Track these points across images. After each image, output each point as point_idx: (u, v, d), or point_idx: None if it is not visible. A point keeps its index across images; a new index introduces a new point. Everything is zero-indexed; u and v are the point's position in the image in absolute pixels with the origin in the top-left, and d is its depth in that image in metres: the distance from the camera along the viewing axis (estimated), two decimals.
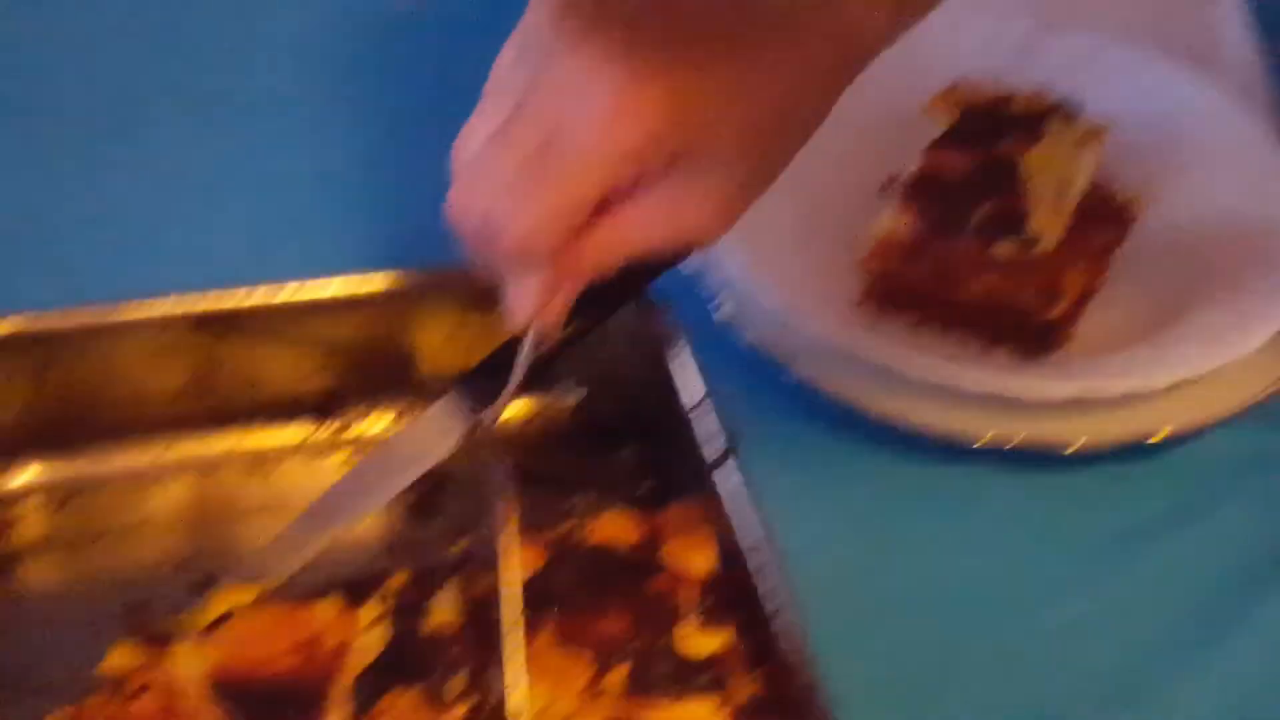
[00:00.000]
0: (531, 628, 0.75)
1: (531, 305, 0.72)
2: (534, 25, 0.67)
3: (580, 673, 0.75)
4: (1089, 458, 0.93)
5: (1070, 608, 0.87)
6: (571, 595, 0.78)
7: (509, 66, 0.69)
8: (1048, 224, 0.97)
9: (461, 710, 0.73)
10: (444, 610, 0.78)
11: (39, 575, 0.88)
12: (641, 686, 0.75)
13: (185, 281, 0.89)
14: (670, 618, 0.77)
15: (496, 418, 0.82)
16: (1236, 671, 0.85)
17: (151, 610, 0.82)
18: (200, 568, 0.88)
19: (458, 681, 0.74)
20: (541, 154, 0.66)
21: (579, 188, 0.66)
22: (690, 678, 0.75)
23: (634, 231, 0.70)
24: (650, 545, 0.80)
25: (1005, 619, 0.86)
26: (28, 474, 0.91)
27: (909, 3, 0.72)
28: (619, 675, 0.75)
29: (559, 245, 0.69)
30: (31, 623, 0.84)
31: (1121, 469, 0.94)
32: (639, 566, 0.79)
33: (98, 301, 0.89)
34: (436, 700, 0.73)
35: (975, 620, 0.86)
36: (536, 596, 0.77)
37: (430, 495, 0.92)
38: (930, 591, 0.87)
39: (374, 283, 0.91)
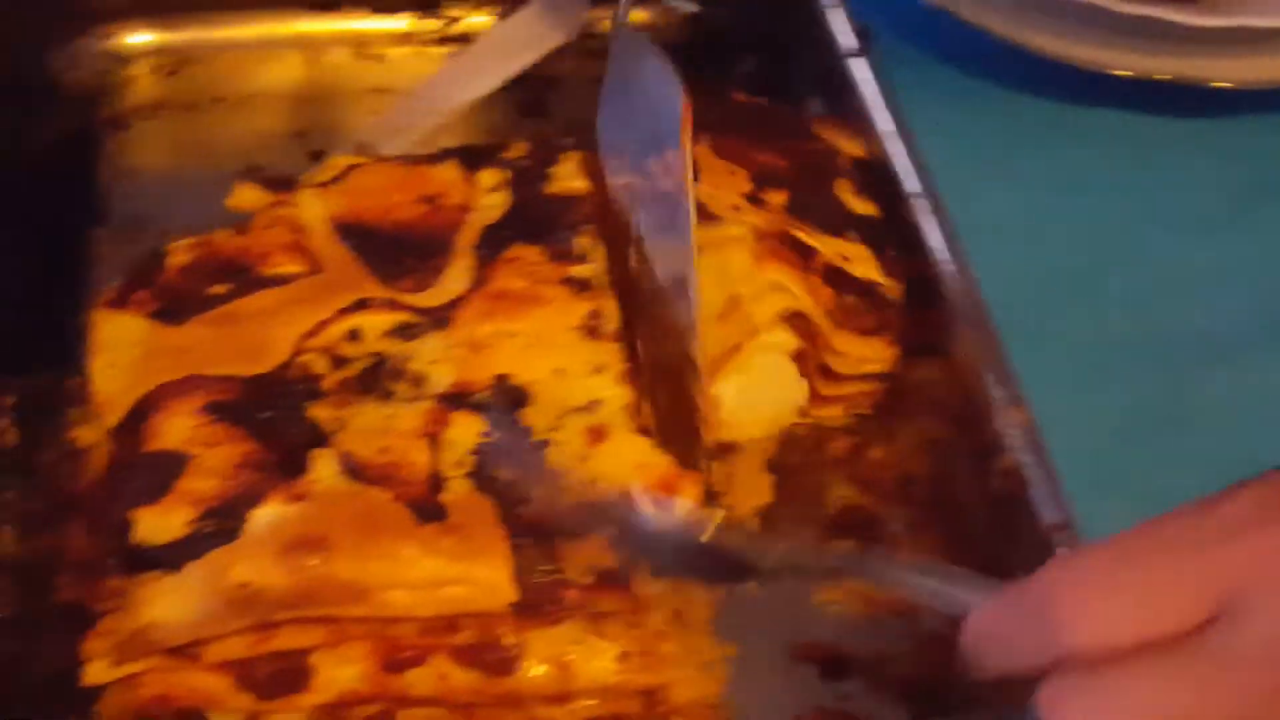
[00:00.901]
0: None
1: None
2: None
3: (739, 183, 0.75)
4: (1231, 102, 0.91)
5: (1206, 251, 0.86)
6: (722, 126, 0.77)
7: (1215, 524, 0.46)
8: None
9: (587, 270, 0.73)
10: (567, 177, 0.78)
11: (155, 134, 0.88)
12: (801, 213, 0.74)
13: None
14: (828, 172, 0.76)
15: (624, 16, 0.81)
16: None
17: (268, 173, 0.82)
18: (311, 141, 0.88)
19: (583, 240, 0.74)
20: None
21: None
22: (848, 225, 0.75)
23: None
24: (799, 121, 0.80)
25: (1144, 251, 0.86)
26: (140, 37, 0.90)
27: None
28: (779, 197, 0.75)
29: None
30: (152, 175, 0.85)
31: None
32: (790, 125, 0.79)
33: None
34: (563, 256, 0.73)
35: (1108, 248, 0.86)
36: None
37: (540, 94, 0.92)
38: (1062, 217, 0.87)
39: None
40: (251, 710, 0.63)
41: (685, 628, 0.69)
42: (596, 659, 0.65)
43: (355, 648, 0.64)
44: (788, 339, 0.75)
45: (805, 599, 0.71)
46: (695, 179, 0.73)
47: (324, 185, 0.77)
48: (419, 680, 0.64)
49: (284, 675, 0.63)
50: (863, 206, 0.76)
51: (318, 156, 0.86)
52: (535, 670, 0.65)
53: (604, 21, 0.89)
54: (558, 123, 0.89)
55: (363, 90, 0.91)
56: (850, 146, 0.79)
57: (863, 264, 0.74)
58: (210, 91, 0.89)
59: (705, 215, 0.73)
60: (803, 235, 0.74)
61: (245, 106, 0.89)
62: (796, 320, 0.75)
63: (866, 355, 0.75)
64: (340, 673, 0.64)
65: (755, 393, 0.75)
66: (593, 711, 0.66)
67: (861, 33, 0.81)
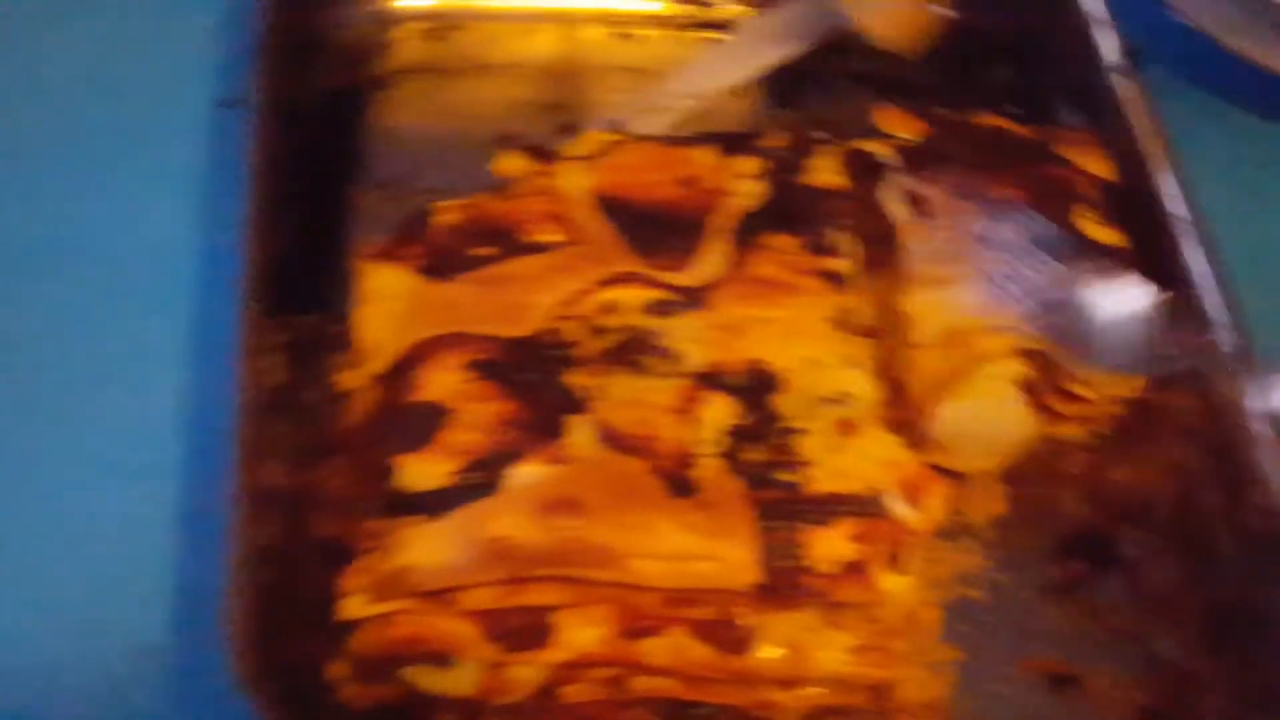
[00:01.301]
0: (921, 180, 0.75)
1: None
2: None
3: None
4: None
5: None
6: (961, 158, 0.77)
7: None
8: None
9: (841, 265, 0.74)
10: (822, 170, 0.78)
11: (415, 96, 0.90)
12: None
13: None
14: (1068, 199, 0.76)
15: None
16: None
17: (527, 142, 0.83)
18: (563, 114, 0.90)
19: (838, 234, 0.75)
20: None
21: None
22: (1082, 256, 0.74)
23: None
24: (1041, 143, 0.80)
25: None
26: (409, 0, 0.93)
27: None
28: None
29: None
30: (410, 135, 0.87)
31: None
32: (1033, 150, 0.79)
33: None
34: (818, 248, 0.74)
35: None
36: (922, 157, 0.77)
37: (792, 88, 0.92)
38: None
39: None
40: (494, 660, 0.65)
41: (916, 628, 0.69)
42: (830, 648, 0.66)
43: (598, 611, 0.65)
44: (1017, 368, 0.74)
45: (1036, 614, 0.71)
46: (932, 217, 0.73)
47: (584, 159, 0.79)
48: (655, 649, 0.65)
49: (528, 630, 0.65)
50: (1106, 235, 0.76)
51: (568, 129, 0.87)
52: (769, 653, 0.66)
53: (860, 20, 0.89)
54: (808, 117, 0.89)
55: (615, 68, 0.92)
56: (1098, 168, 0.79)
57: None
58: (470, 58, 0.91)
59: (938, 259, 0.73)
60: None
61: (502, 75, 0.91)
62: (1031, 353, 0.74)
63: (1110, 385, 0.74)
64: (581, 634, 0.65)
65: (978, 422, 0.74)
66: (820, 700, 0.67)
67: (1131, 51, 0.80)
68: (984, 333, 0.73)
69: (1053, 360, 0.73)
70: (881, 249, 0.76)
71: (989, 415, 0.74)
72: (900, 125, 0.79)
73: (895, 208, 0.76)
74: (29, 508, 0.73)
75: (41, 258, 0.82)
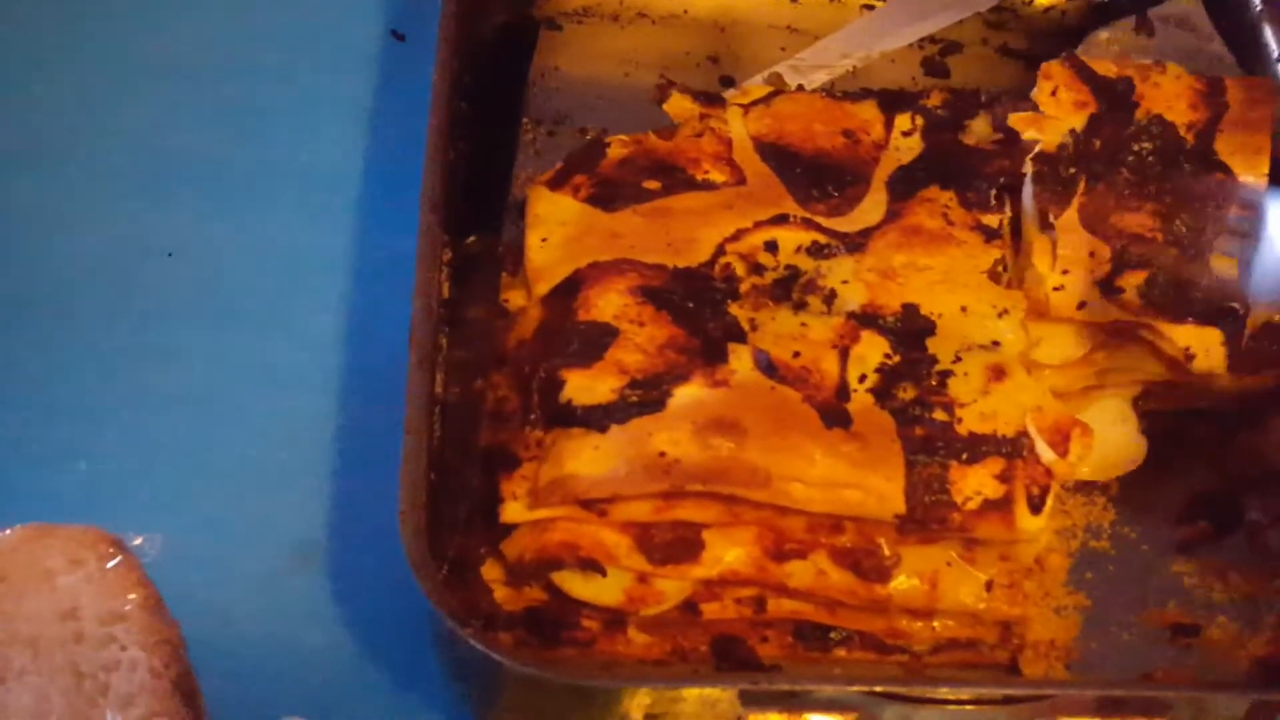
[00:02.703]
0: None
1: None
2: None
3: (1097, 266, 0.75)
4: None
5: None
6: (1105, 166, 0.78)
7: None
8: None
9: (996, 220, 0.76)
10: (981, 131, 0.81)
11: (581, 38, 0.93)
12: (1158, 298, 0.75)
13: None
14: (1207, 230, 0.76)
15: None
16: None
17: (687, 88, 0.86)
18: (722, 67, 0.93)
19: (995, 194, 0.77)
20: None
21: None
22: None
23: None
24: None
25: None
26: None
27: None
28: (1136, 280, 0.75)
29: None
30: (577, 77, 0.90)
31: None
32: (1185, 150, 0.79)
33: None
34: (976, 204, 0.77)
35: None
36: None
37: (943, 57, 0.94)
38: None
39: None
40: (643, 571, 0.68)
41: (1045, 572, 0.72)
42: (965, 583, 0.69)
43: (746, 532, 0.68)
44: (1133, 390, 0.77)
45: (1159, 569, 0.74)
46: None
47: (749, 106, 0.82)
48: (798, 572, 0.68)
49: (677, 545, 0.68)
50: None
51: (726, 82, 0.90)
52: (906, 583, 0.68)
53: None
54: (957, 86, 0.91)
55: (774, 26, 0.94)
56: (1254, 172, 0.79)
57: (1206, 357, 0.74)
58: (635, 6, 0.94)
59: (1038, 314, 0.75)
60: (1147, 334, 0.75)
61: (664, 24, 0.94)
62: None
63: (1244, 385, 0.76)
64: (728, 552, 0.68)
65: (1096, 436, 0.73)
66: (950, 632, 0.70)
67: None
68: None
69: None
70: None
71: (1103, 432, 0.74)
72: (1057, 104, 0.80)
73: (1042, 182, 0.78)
74: (211, 413, 0.77)
75: (225, 179, 0.86)
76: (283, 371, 0.78)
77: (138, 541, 0.61)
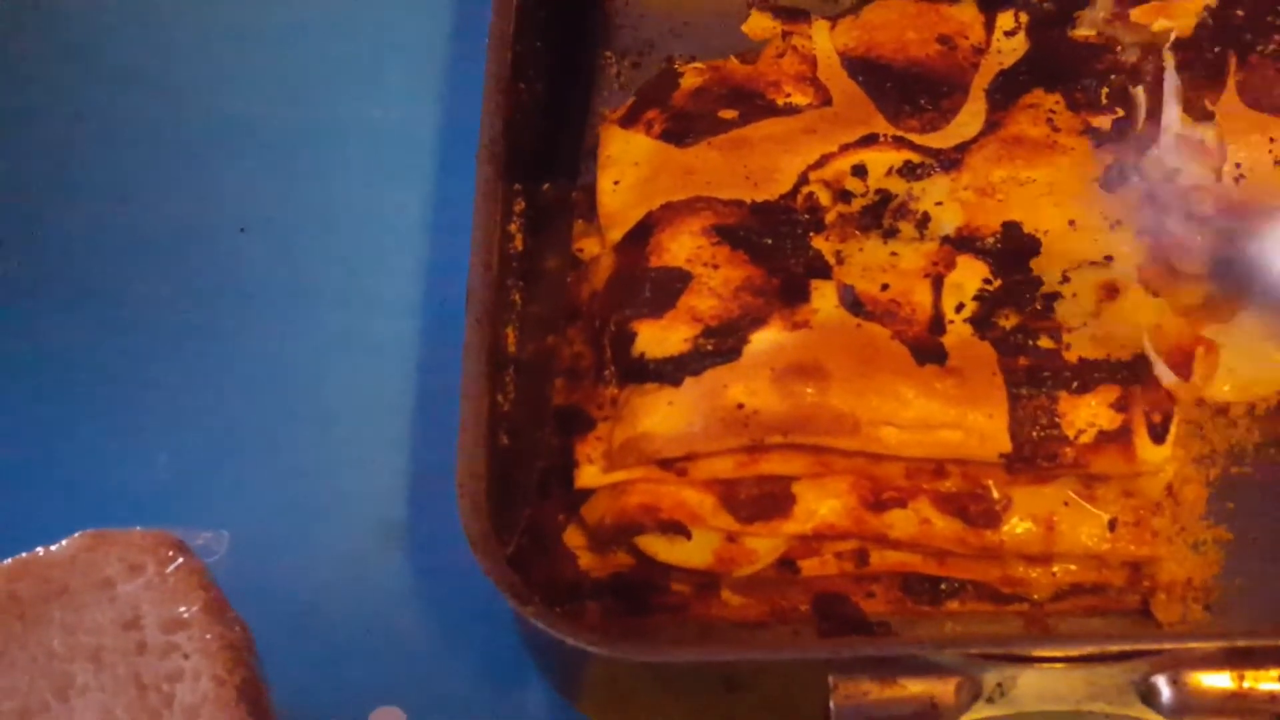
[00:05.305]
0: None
1: None
2: None
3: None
4: None
5: None
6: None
7: None
8: None
9: (1109, 121, 0.70)
10: (1092, 24, 0.74)
11: None
12: None
13: None
14: None
15: None
16: None
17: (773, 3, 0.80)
18: None
19: (1108, 90, 0.70)
20: None
21: None
22: None
23: None
24: None
25: None
26: None
27: None
28: None
29: None
30: (654, 4, 0.84)
31: None
32: None
33: None
34: (1086, 105, 0.70)
35: None
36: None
37: None
38: None
39: None
40: (730, 530, 0.63)
41: (1179, 505, 0.66)
42: (1085, 524, 0.63)
43: (839, 482, 0.63)
44: None
45: None
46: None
47: (838, 18, 0.76)
48: (899, 522, 0.63)
49: (766, 500, 0.63)
50: None
51: None
52: (1019, 527, 0.63)
53: None
54: None
55: None
56: None
57: None
58: None
59: None
60: None
61: None
62: None
63: None
64: (821, 505, 0.63)
65: (1239, 352, 0.67)
66: (1072, 577, 0.64)
67: None
68: None
69: None
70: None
71: (1250, 348, 0.68)
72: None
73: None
74: (288, 392, 0.74)
75: (292, 144, 0.82)
76: (361, 342, 0.75)
77: (200, 540, 0.58)
